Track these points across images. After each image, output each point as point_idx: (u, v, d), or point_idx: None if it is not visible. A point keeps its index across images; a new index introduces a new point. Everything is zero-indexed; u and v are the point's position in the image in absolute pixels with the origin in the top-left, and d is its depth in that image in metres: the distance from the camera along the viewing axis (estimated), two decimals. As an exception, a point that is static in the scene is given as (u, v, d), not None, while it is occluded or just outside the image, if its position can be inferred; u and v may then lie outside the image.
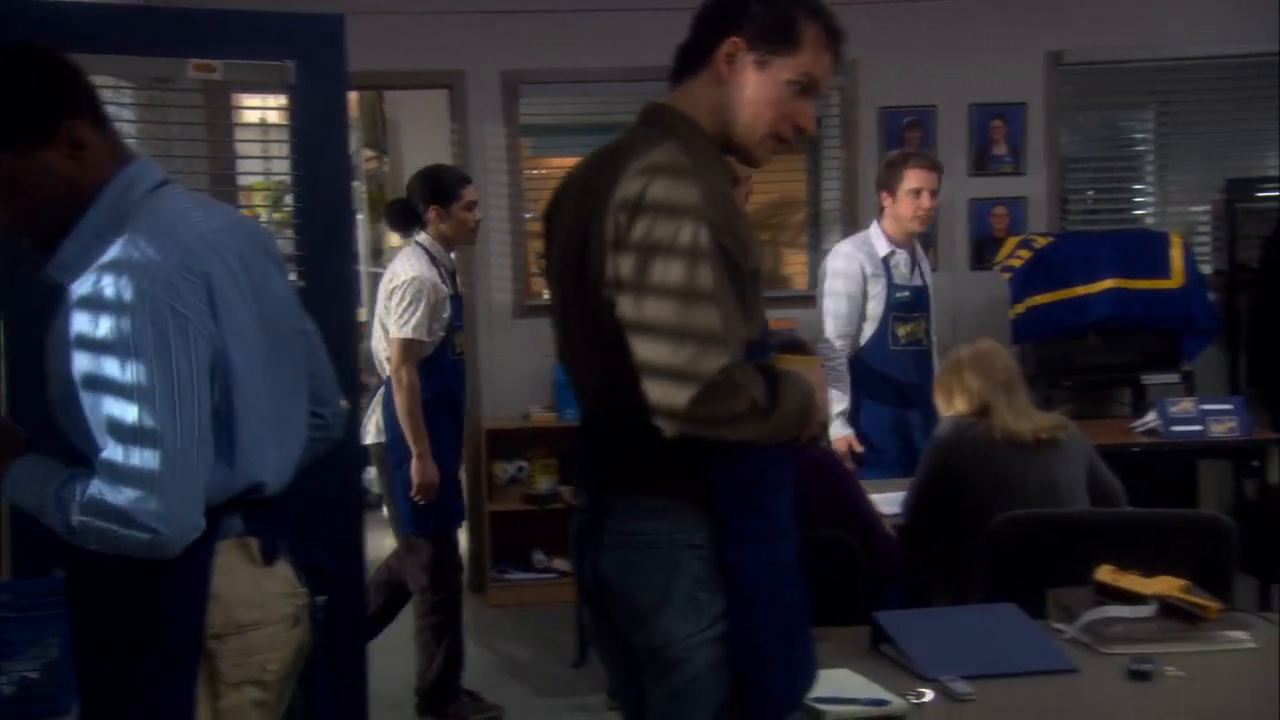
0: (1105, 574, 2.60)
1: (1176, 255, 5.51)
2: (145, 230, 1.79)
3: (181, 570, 1.80)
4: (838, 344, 4.28)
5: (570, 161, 2.29)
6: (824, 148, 6.13)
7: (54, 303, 1.86)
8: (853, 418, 4.29)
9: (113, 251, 1.76)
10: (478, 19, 5.68)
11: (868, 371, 4.31)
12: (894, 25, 5.79)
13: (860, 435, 4.26)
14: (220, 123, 4.18)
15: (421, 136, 7.14)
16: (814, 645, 2.04)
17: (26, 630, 2.37)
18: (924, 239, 4.56)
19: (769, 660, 1.90)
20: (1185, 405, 4.58)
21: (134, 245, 1.77)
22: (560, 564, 5.72)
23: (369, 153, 7.54)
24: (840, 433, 4.24)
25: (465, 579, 5.79)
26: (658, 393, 1.80)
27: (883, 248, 4.33)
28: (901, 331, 4.33)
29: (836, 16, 1.98)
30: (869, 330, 4.33)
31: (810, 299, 6.17)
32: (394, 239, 7.49)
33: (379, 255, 7.56)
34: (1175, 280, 5.46)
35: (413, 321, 4.05)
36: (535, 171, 6.08)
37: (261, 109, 4.59)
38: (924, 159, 4.32)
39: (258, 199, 4.60)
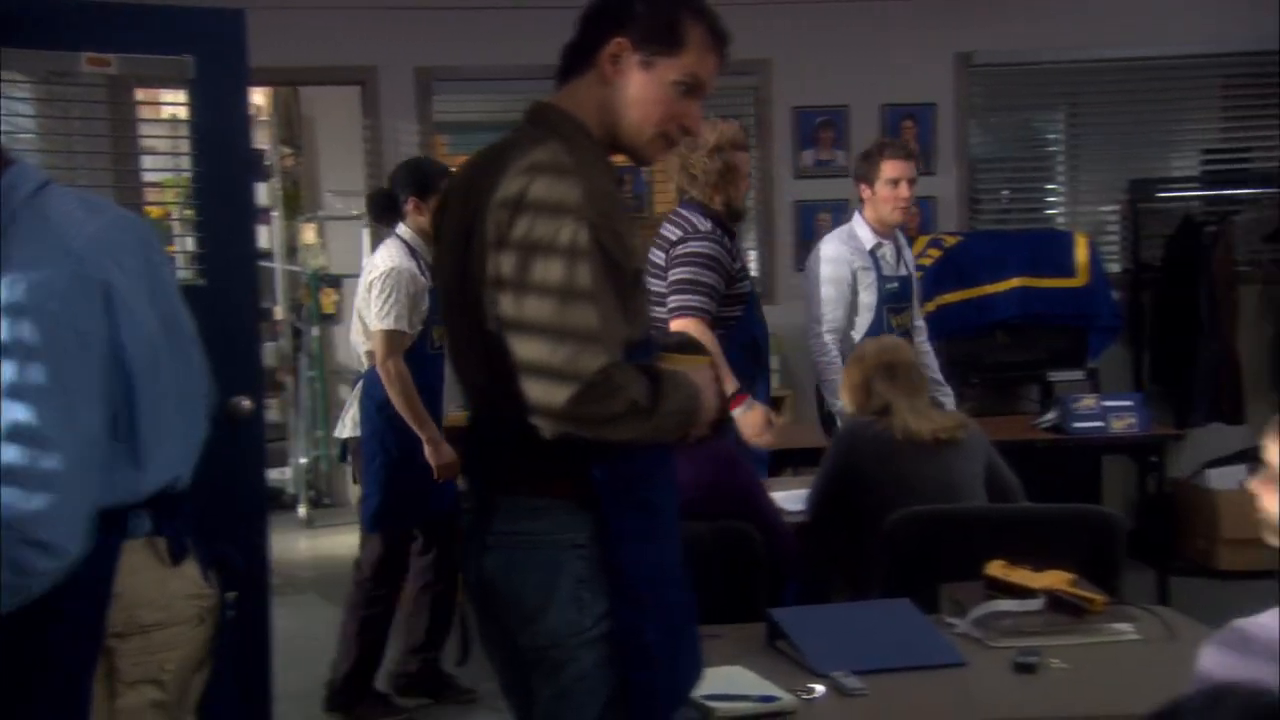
0: (996, 569, 2.65)
1: (1081, 254, 5.62)
2: (31, 238, 1.75)
3: (87, 570, 1.77)
4: (828, 339, 4.25)
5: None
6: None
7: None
8: None
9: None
10: (390, 15, 5.64)
11: None
12: (806, 25, 5.85)
13: None
14: (125, 119, 4.11)
15: (337, 133, 7.07)
16: (700, 643, 2.06)
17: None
18: (903, 228, 4.55)
19: (654, 658, 1.91)
20: (1087, 402, 4.68)
21: (21, 255, 1.73)
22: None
23: (285, 149, 7.46)
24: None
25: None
26: (536, 392, 1.81)
27: (869, 240, 4.32)
28: (895, 321, 4.32)
29: (721, 17, 1.99)
30: (864, 321, 4.30)
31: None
32: (309, 236, 7.43)
33: (294, 253, 7.47)
34: (1080, 279, 5.58)
35: (394, 312, 4.02)
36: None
37: (173, 105, 4.52)
38: (899, 149, 4.30)
39: (169, 196, 4.53)
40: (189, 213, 3.43)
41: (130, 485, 1.80)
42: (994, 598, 2.59)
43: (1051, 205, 6.36)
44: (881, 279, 4.29)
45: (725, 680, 2.23)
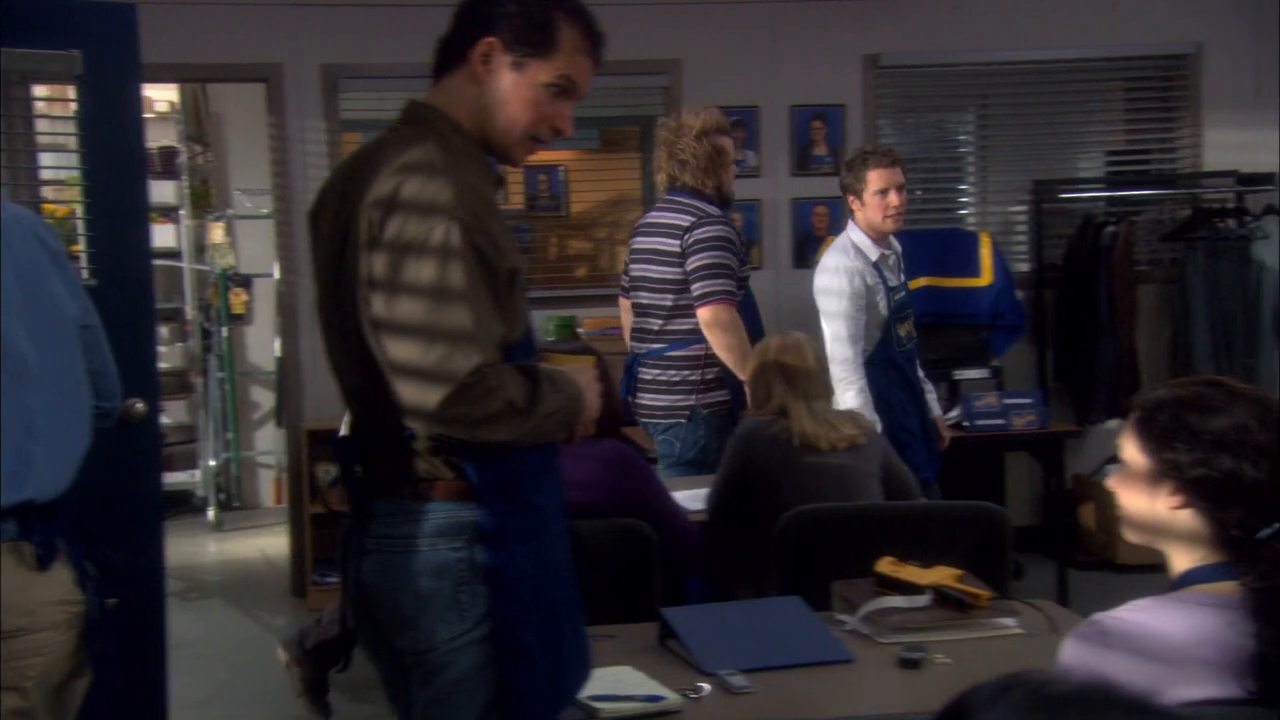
0: (885, 566, 2.68)
1: (986, 254, 5.71)
2: None
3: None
4: (851, 355, 3.99)
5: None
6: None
7: None
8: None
9: None
10: (295, 11, 5.56)
11: (883, 378, 4.08)
12: (715, 26, 5.87)
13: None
14: (14, 115, 4.02)
15: (246, 130, 6.97)
16: (588, 643, 2.06)
17: None
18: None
19: (534, 659, 1.91)
20: (989, 399, 4.76)
21: None
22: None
23: (194, 147, 7.34)
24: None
25: (286, 583, 5.74)
26: (409, 393, 1.80)
27: (873, 251, 4.11)
28: (903, 331, 4.18)
29: (596, 19, 1.99)
30: (874, 337, 4.10)
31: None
32: (217, 235, 7.32)
33: (202, 251, 7.35)
34: (985, 278, 5.67)
35: None
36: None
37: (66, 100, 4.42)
38: (882, 156, 4.12)
39: (71, 194, 4.44)
40: (80, 211, 3.37)
41: None
42: (883, 594, 2.62)
43: (964, 205, 6.45)
44: (889, 290, 4.12)
45: (613, 680, 2.23)
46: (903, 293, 4.19)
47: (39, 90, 4.20)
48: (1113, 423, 5.78)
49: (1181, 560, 1.70)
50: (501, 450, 1.88)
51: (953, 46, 6.09)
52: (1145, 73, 6.34)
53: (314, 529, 5.67)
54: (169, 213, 7.28)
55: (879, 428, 3.84)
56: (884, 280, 4.11)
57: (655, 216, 4.08)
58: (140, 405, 3.29)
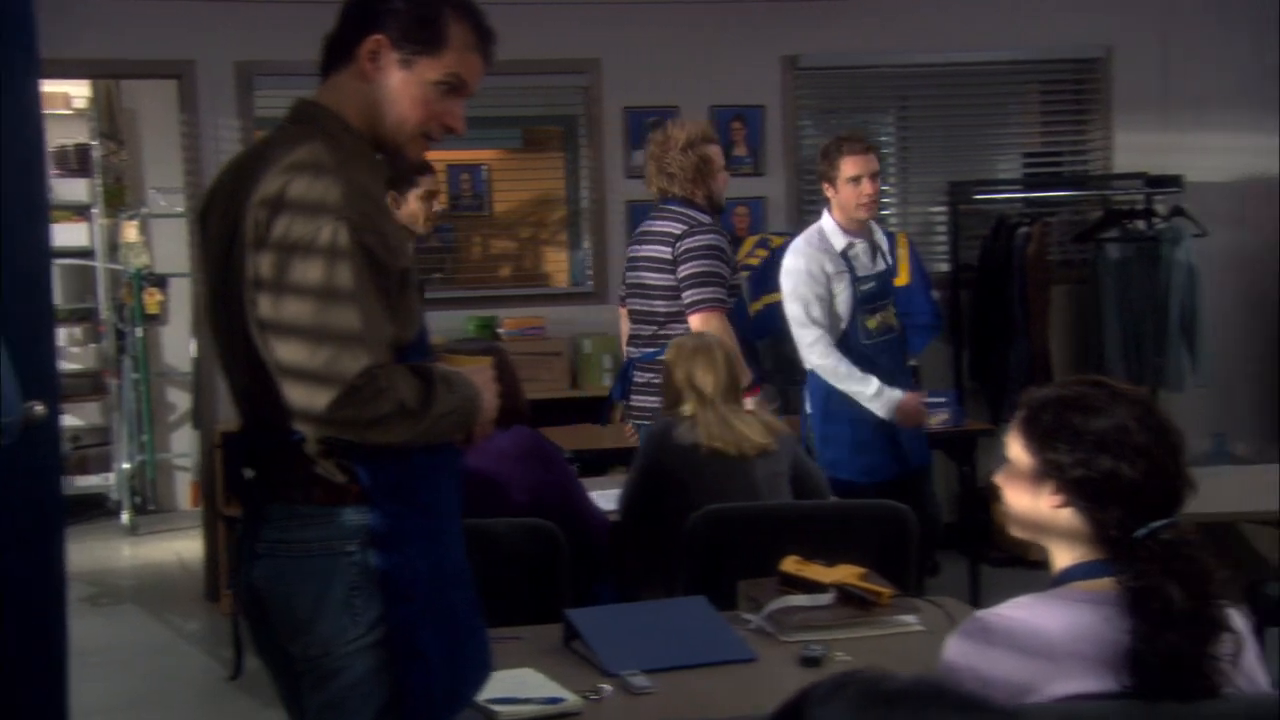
0: (790, 564, 2.70)
1: (903, 254, 5.76)
2: None
3: None
4: (823, 348, 4.03)
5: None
6: (580, 146, 6.18)
7: None
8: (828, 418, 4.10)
9: None
10: (209, 7, 5.48)
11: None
12: (634, 26, 5.88)
13: (840, 436, 4.09)
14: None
15: (161, 128, 6.85)
16: (487, 645, 2.05)
17: None
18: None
19: (430, 662, 1.90)
20: (904, 398, 4.78)
21: None
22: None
23: (107, 144, 7.20)
24: (891, 404, 4.04)
25: (200, 587, 5.65)
26: (297, 395, 1.78)
27: (840, 241, 4.09)
28: (871, 324, 4.13)
29: (486, 15, 1.98)
30: (837, 327, 4.10)
31: (571, 296, 6.25)
32: (131, 234, 7.19)
33: (116, 250, 7.22)
34: (902, 278, 5.71)
35: None
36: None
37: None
38: (857, 143, 4.07)
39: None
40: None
41: None
42: (787, 593, 2.64)
43: (886, 206, 6.50)
44: (855, 280, 4.09)
45: (514, 682, 2.23)
46: (872, 283, 4.12)
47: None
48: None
49: (1062, 557, 1.73)
50: (395, 452, 1.86)
51: (872, 49, 6.15)
52: (1059, 75, 6.45)
53: (229, 532, 5.59)
54: (82, 211, 7.14)
55: (871, 389, 3.97)
56: (850, 269, 4.08)
57: (650, 225, 4.14)
58: (40, 408, 3.22)
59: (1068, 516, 1.70)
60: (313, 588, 1.87)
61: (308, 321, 1.77)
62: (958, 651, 1.69)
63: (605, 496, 3.54)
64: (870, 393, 4.05)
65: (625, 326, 4.31)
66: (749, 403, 3.88)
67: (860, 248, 4.12)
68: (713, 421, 3.22)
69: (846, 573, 2.65)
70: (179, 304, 7.10)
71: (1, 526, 2.52)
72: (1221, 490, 4.14)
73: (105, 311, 7.14)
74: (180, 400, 7.29)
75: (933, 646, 2.45)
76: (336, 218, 1.78)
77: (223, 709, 4.22)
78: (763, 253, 5.71)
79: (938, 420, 4.76)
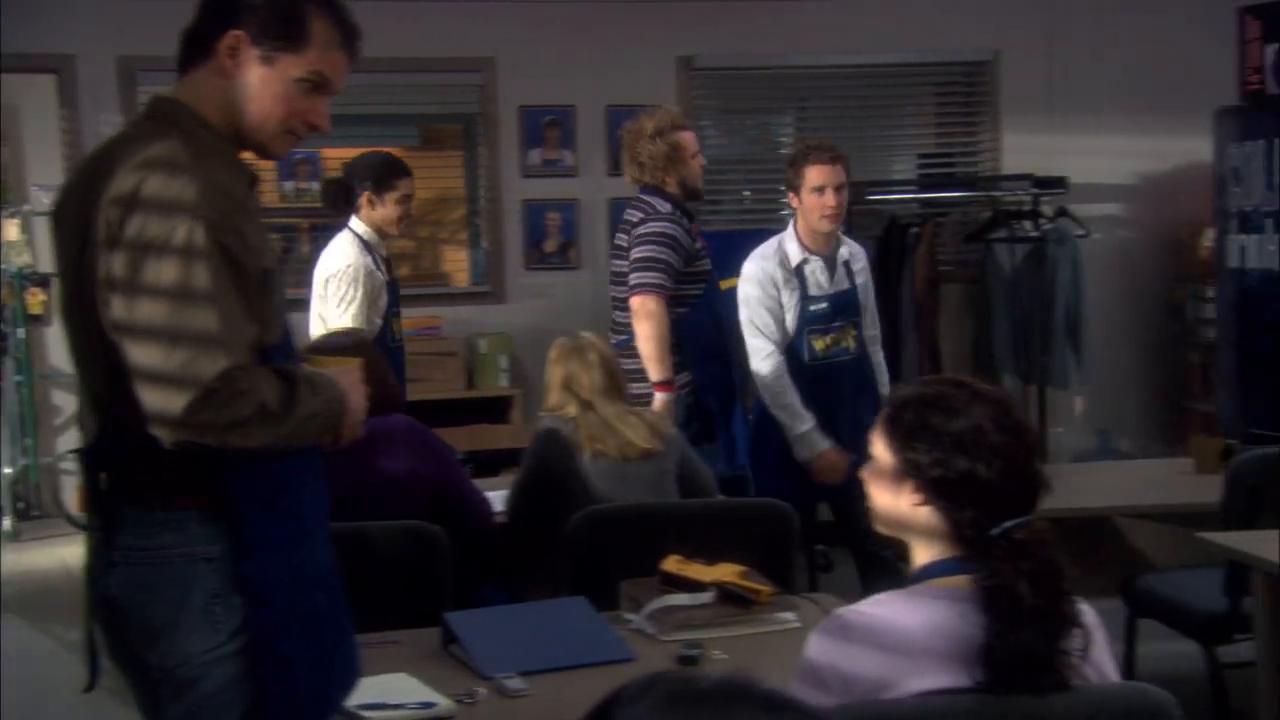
0: (671, 564, 2.70)
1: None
2: None
3: None
4: (770, 360, 3.92)
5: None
6: (478, 145, 6.14)
7: None
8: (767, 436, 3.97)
9: None
10: (90, 1, 5.35)
11: None
12: (529, 24, 5.86)
13: (767, 454, 3.98)
14: None
15: (44, 123, 6.66)
16: (355, 650, 2.02)
17: None
18: (847, 231, 4.19)
19: (293, 669, 1.87)
20: (795, 397, 4.82)
21: None
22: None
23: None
24: (814, 452, 3.89)
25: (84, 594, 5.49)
26: (152, 399, 1.74)
27: (795, 255, 3.95)
28: (819, 345, 3.97)
29: (351, 12, 1.95)
30: (782, 346, 3.96)
31: (468, 295, 6.21)
32: (12, 232, 6.98)
33: (-2, 249, 7.00)
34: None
35: (351, 309, 3.95)
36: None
37: None
38: (823, 152, 3.91)
39: None
40: None
41: None
42: (668, 592, 2.64)
43: (787, 206, 6.54)
44: (805, 299, 3.94)
45: (385, 688, 2.20)
46: (824, 304, 3.96)
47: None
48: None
49: (922, 554, 1.76)
50: (257, 455, 1.82)
51: (768, 50, 6.20)
52: (951, 78, 6.56)
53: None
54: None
55: (804, 428, 3.84)
56: (802, 288, 3.95)
57: (624, 214, 4.20)
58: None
59: (927, 515, 1.72)
60: (171, 595, 1.82)
61: (162, 323, 1.73)
62: (818, 649, 1.71)
63: (495, 498, 3.52)
64: (797, 431, 3.91)
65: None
66: (659, 399, 3.94)
67: (816, 265, 3.96)
68: (593, 423, 3.21)
69: (726, 571, 2.66)
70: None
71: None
72: (1102, 485, 4.25)
73: (-21, 312, 6.92)
74: (66, 403, 7.08)
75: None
76: (193, 217, 1.74)
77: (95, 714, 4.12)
78: (658, 252, 5.71)
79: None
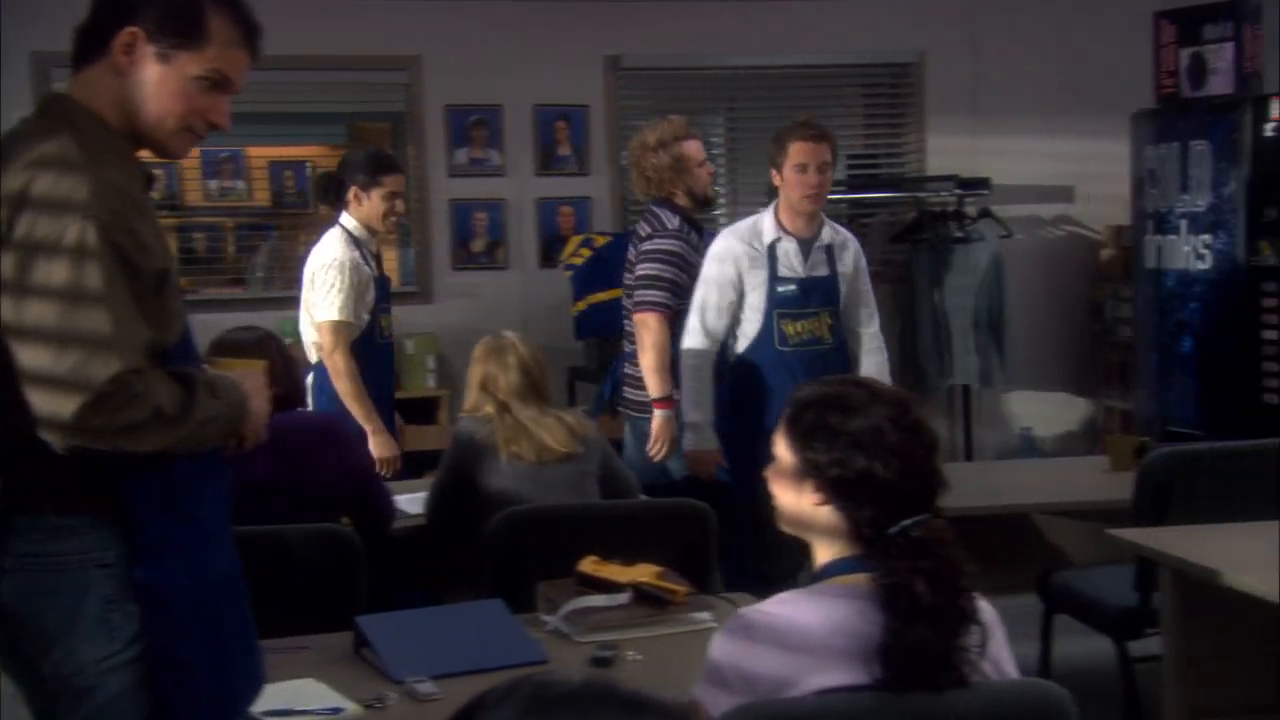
0: (587, 565, 2.70)
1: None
2: None
3: None
4: (700, 342, 3.83)
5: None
6: (406, 144, 6.09)
7: None
8: (742, 423, 3.85)
9: None
10: (3, -6, 5.24)
11: (754, 373, 3.86)
12: (455, 23, 5.82)
13: (749, 440, 3.73)
14: None
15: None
16: (259, 656, 1.99)
17: None
18: (842, 221, 4.10)
19: (194, 676, 1.84)
20: (722, 396, 4.84)
21: None
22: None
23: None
24: (697, 447, 3.82)
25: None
26: (42, 403, 1.70)
27: (769, 234, 3.79)
28: (790, 330, 3.82)
29: (252, 10, 1.92)
30: (753, 327, 3.84)
31: (395, 296, 6.13)
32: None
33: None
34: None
35: (337, 303, 3.98)
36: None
37: None
38: (808, 129, 3.75)
39: None
40: None
41: None
42: (585, 594, 2.64)
43: (718, 206, 6.56)
44: (774, 280, 3.79)
45: (291, 694, 2.17)
46: (793, 287, 3.80)
47: None
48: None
49: (823, 553, 1.77)
50: (155, 460, 1.79)
51: (696, 50, 6.21)
52: (877, 79, 6.61)
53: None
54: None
55: (696, 417, 3.77)
56: (771, 267, 3.79)
57: (635, 227, 4.23)
58: None
59: (827, 514, 1.74)
60: (66, 602, 1.79)
61: (53, 325, 1.69)
62: (721, 649, 1.71)
63: (410, 500, 3.49)
64: (692, 419, 3.85)
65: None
66: (658, 416, 3.89)
67: (789, 246, 3.80)
68: (509, 426, 3.19)
69: (643, 572, 2.66)
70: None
71: None
72: (1022, 483, 4.31)
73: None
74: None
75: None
76: (84, 216, 1.71)
77: None
78: (586, 252, 5.71)
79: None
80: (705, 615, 2.61)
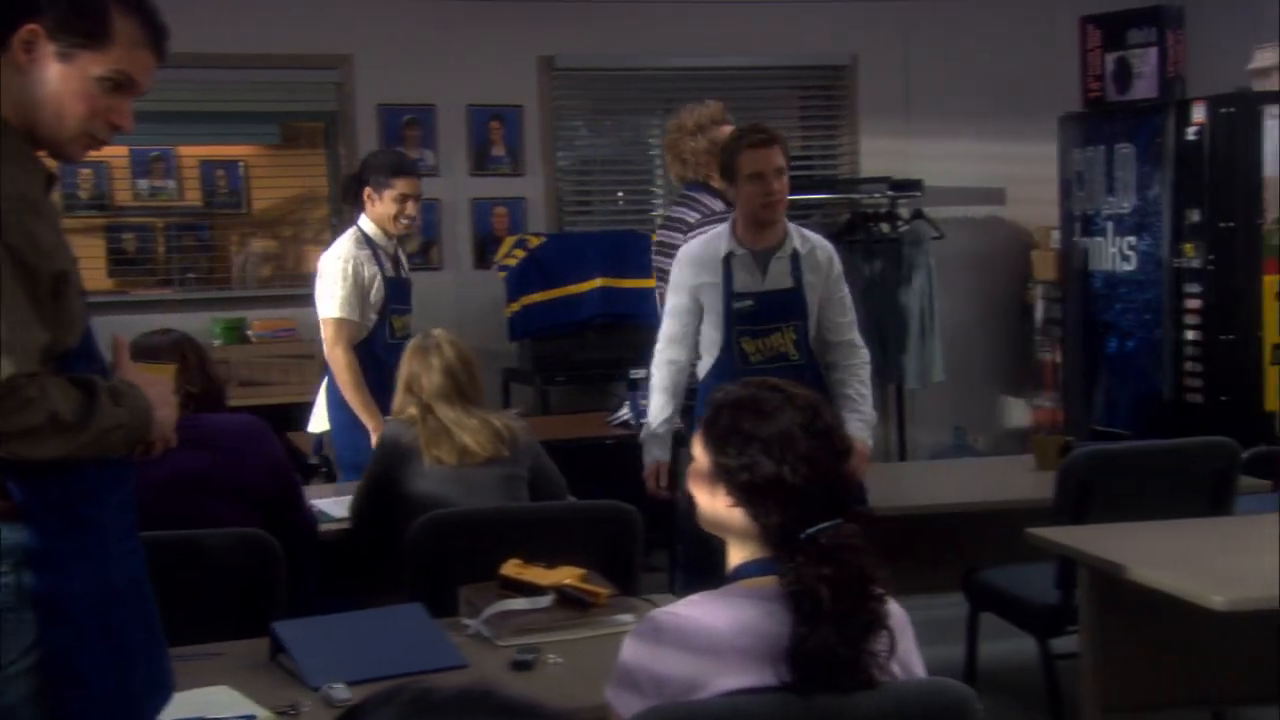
0: (510, 568, 2.69)
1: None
2: None
3: None
4: (667, 352, 3.68)
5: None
6: (337, 144, 6.04)
7: None
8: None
9: None
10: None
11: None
12: (387, 22, 5.78)
13: None
14: None
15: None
16: (165, 665, 1.96)
17: None
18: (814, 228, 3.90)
19: (92, 686, 1.80)
20: (655, 398, 4.84)
21: None
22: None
23: None
24: (652, 454, 3.69)
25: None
26: None
27: (724, 244, 3.55)
28: (750, 348, 3.58)
29: (159, 10, 1.89)
30: (714, 347, 3.61)
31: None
32: None
33: None
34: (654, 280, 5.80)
35: (336, 301, 4.08)
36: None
37: None
38: (755, 135, 3.54)
39: None
40: None
41: None
42: (507, 597, 2.63)
43: (656, 206, 6.58)
44: (730, 295, 3.56)
45: (203, 702, 2.14)
46: (749, 302, 3.55)
47: None
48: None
49: (736, 554, 1.77)
50: (54, 466, 1.75)
51: (631, 51, 6.21)
52: (812, 81, 6.65)
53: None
54: None
55: (659, 419, 3.63)
56: (728, 280, 3.56)
57: (671, 210, 4.16)
58: None
59: (739, 516, 1.74)
60: (-41, 611, 1.75)
61: None
62: (630, 652, 1.71)
63: (337, 504, 3.46)
64: (650, 428, 3.72)
65: None
66: None
67: (744, 258, 3.56)
68: (432, 428, 3.16)
69: (566, 574, 2.65)
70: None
71: None
72: (952, 482, 4.36)
73: None
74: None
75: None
76: None
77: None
78: (520, 253, 5.70)
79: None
80: (628, 617, 2.60)
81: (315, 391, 4.31)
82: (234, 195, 6.30)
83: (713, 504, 1.78)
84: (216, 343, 5.63)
